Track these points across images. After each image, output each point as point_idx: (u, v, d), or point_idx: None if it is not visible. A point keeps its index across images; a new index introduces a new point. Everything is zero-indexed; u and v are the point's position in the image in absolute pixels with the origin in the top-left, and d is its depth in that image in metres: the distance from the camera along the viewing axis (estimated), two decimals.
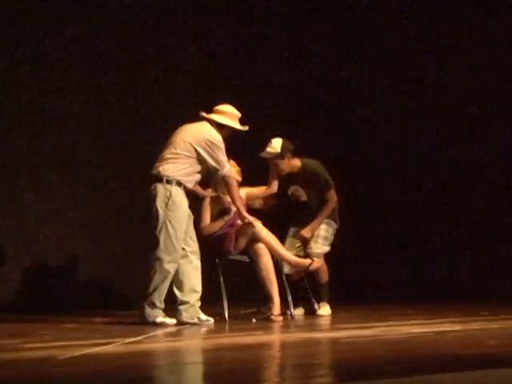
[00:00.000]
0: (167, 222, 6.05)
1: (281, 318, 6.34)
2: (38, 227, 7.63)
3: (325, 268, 6.83)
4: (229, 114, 6.32)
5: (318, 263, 6.62)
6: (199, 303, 6.22)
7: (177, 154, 6.14)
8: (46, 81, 7.76)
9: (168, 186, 6.07)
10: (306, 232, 6.73)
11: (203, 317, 6.22)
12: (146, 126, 8.15)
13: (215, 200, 6.69)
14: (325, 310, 6.84)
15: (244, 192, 6.81)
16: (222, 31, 8.57)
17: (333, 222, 6.87)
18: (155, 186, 6.10)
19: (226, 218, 6.61)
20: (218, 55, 8.56)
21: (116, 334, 5.36)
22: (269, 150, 6.73)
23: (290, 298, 6.56)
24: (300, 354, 4.72)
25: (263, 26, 8.88)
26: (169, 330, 5.84)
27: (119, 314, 6.86)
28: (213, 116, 6.29)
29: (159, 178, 6.09)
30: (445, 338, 5.20)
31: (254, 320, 6.36)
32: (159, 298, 6.06)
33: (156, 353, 4.83)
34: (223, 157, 6.18)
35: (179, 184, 6.11)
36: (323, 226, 6.80)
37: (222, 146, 6.18)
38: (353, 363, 4.12)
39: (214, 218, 6.64)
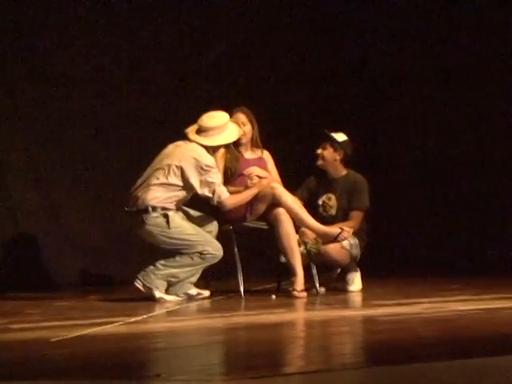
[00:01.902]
0: (177, 239, 6.11)
1: (305, 293, 6.24)
2: (24, 198, 7.67)
3: (345, 253, 6.63)
4: (217, 128, 6.30)
5: (347, 233, 6.47)
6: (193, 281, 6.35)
7: (164, 182, 6.17)
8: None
9: (162, 212, 6.11)
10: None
11: (193, 292, 6.28)
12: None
13: (230, 155, 6.58)
14: (355, 285, 6.73)
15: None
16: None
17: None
18: (144, 218, 6.11)
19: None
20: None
21: (116, 312, 5.40)
22: (334, 134, 6.79)
23: (314, 271, 6.49)
24: (329, 334, 4.67)
25: (282, 18, 9.00)
26: (176, 307, 5.87)
27: (118, 291, 6.88)
28: (202, 141, 6.26)
29: (146, 209, 6.11)
30: (498, 316, 5.14)
31: (273, 296, 6.31)
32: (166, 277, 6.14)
33: (162, 333, 4.83)
34: (214, 181, 6.19)
35: (170, 210, 6.18)
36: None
37: (213, 168, 6.22)
38: (391, 345, 4.10)
39: (229, 176, 6.55)
